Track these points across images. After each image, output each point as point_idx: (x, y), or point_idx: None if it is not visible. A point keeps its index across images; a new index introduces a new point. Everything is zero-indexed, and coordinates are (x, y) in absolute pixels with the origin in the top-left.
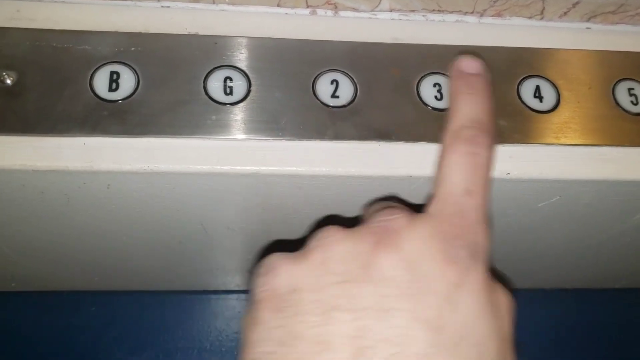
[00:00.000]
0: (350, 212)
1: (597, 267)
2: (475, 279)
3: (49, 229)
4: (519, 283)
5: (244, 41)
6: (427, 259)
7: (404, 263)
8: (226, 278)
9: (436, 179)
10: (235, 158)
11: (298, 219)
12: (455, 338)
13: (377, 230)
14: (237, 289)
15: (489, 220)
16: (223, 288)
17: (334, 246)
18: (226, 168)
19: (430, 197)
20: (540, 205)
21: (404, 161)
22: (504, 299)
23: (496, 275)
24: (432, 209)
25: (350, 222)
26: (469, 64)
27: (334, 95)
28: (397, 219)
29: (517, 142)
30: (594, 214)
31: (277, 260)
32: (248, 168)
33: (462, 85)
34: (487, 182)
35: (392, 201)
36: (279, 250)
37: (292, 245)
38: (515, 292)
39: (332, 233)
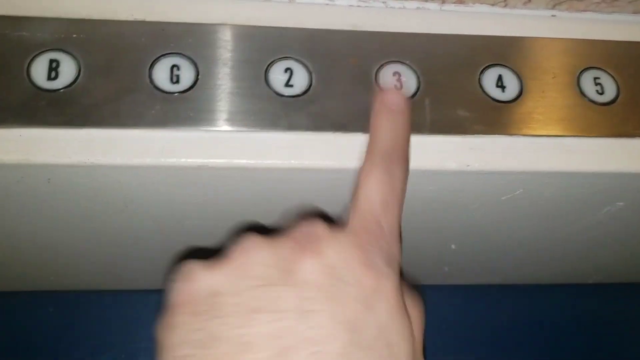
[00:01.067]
0: (308, 206)
1: (565, 262)
2: (390, 285)
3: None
4: (484, 279)
5: (193, 28)
6: (346, 265)
7: (325, 268)
8: None
9: (356, 195)
10: (182, 150)
11: (252, 214)
12: (371, 338)
13: (299, 236)
14: None
15: (400, 233)
16: None
17: (255, 251)
18: (172, 160)
19: (349, 212)
20: (503, 198)
21: (360, 152)
22: (413, 304)
23: (407, 282)
24: (352, 222)
25: (271, 232)
26: (393, 101)
27: (287, 84)
28: (319, 227)
29: (478, 133)
30: (559, 207)
31: (195, 266)
32: (194, 160)
33: (385, 118)
34: (401, 200)
35: (315, 216)
36: (196, 258)
37: (209, 253)
38: (479, 288)
39: (252, 239)
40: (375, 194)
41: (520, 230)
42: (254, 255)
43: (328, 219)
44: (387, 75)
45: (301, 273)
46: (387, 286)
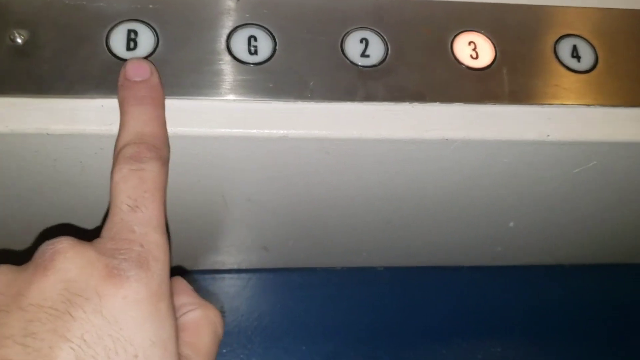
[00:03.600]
0: (378, 181)
1: (628, 240)
2: (138, 290)
3: (59, 202)
4: (535, 259)
5: None
6: (85, 275)
7: (61, 284)
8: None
9: (109, 202)
10: (263, 121)
11: (322, 190)
12: (109, 349)
13: (38, 256)
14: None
15: (163, 229)
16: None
17: None
18: (253, 132)
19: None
20: (575, 171)
21: (439, 123)
22: (167, 307)
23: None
24: (103, 231)
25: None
26: (133, 71)
27: (363, 55)
28: (59, 242)
29: (556, 103)
30: (630, 181)
31: None
32: (275, 131)
33: (127, 96)
34: (156, 193)
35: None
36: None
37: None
38: (528, 268)
39: None
40: (122, 197)
41: (585, 206)
42: None
43: (86, 235)
44: (463, 45)
45: (31, 295)
46: (134, 291)
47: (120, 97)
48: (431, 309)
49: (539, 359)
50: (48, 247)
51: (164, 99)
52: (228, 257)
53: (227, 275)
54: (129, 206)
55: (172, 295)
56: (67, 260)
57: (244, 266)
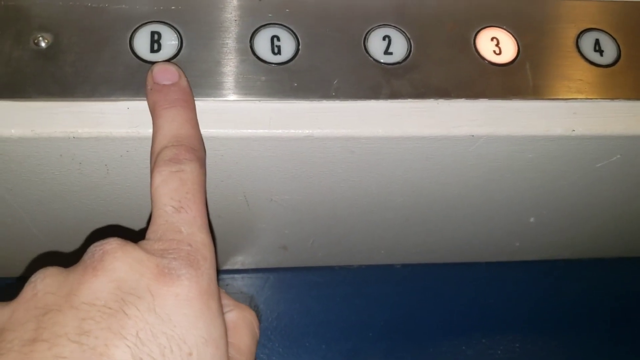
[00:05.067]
0: (401, 178)
1: None
2: (189, 288)
3: (83, 206)
4: (552, 254)
5: None
6: (136, 274)
7: (112, 283)
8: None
9: (151, 204)
10: (288, 121)
11: (344, 189)
12: (164, 347)
13: (87, 257)
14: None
15: (207, 228)
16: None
17: (41, 281)
18: (279, 132)
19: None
20: (598, 165)
21: (464, 119)
22: (217, 305)
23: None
24: (148, 233)
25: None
26: (162, 74)
27: (387, 52)
28: (108, 243)
29: (580, 98)
30: None
31: None
32: (300, 131)
33: (159, 100)
34: (197, 194)
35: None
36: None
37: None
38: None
39: (44, 271)
40: (165, 200)
41: (605, 199)
42: (40, 285)
43: (132, 236)
44: (485, 40)
45: (83, 294)
46: (185, 289)
47: (151, 101)
48: (450, 305)
49: (559, 354)
50: (97, 247)
51: (194, 100)
52: (247, 256)
53: (246, 275)
54: (173, 207)
55: (220, 294)
56: (116, 260)
57: (262, 265)
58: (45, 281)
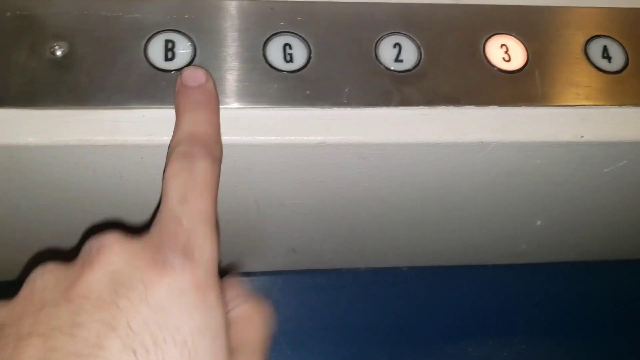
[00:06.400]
0: (410, 183)
1: None
2: (183, 279)
3: (95, 210)
4: (558, 256)
5: (301, 6)
6: (132, 266)
7: (107, 276)
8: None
9: (161, 198)
10: (300, 128)
11: (353, 193)
12: (157, 336)
13: (85, 252)
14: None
15: (212, 222)
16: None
17: (43, 277)
18: (291, 139)
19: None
20: (606, 170)
21: (474, 126)
22: (216, 298)
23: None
24: (153, 224)
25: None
26: (190, 77)
27: (397, 60)
28: (106, 237)
29: (589, 104)
30: None
31: None
32: (313, 138)
33: (183, 101)
34: (206, 189)
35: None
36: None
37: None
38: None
39: (43, 267)
40: (172, 192)
41: (612, 203)
42: (39, 281)
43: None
44: (495, 48)
45: (78, 288)
46: (181, 280)
47: (176, 102)
48: (456, 307)
49: (565, 356)
50: (95, 242)
51: (219, 105)
52: (256, 259)
53: (254, 278)
54: (179, 199)
55: (222, 287)
56: (113, 253)
57: (270, 268)
58: (44, 277)
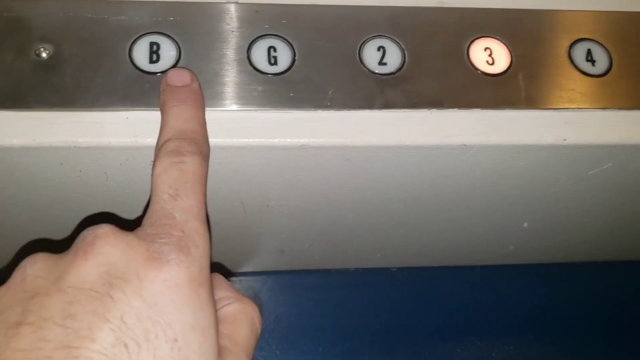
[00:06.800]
0: (395, 185)
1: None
2: (178, 273)
3: (82, 211)
4: (546, 257)
5: (286, 9)
6: (126, 259)
7: (101, 267)
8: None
9: (150, 194)
10: (284, 130)
11: (339, 194)
12: (149, 332)
13: (79, 241)
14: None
15: (203, 218)
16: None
17: (34, 265)
18: (275, 141)
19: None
20: (590, 173)
21: (457, 129)
22: (207, 294)
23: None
24: (144, 220)
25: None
26: (175, 77)
27: (381, 63)
28: (100, 228)
29: (572, 107)
30: None
31: None
32: (296, 140)
33: (168, 99)
34: (196, 184)
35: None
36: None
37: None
38: (541, 267)
39: (37, 255)
40: (163, 187)
41: (597, 205)
42: (30, 269)
43: (127, 225)
44: (479, 51)
45: (71, 278)
46: (174, 274)
47: (161, 100)
48: (445, 308)
49: (552, 357)
50: (89, 232)
51: (204, 103)
52: (244, 260)
53: (243, 278)
54: (170, 195)
55: (212, 285)
56: (107, 244)
57: (259, 269)
58: (35, 266)
